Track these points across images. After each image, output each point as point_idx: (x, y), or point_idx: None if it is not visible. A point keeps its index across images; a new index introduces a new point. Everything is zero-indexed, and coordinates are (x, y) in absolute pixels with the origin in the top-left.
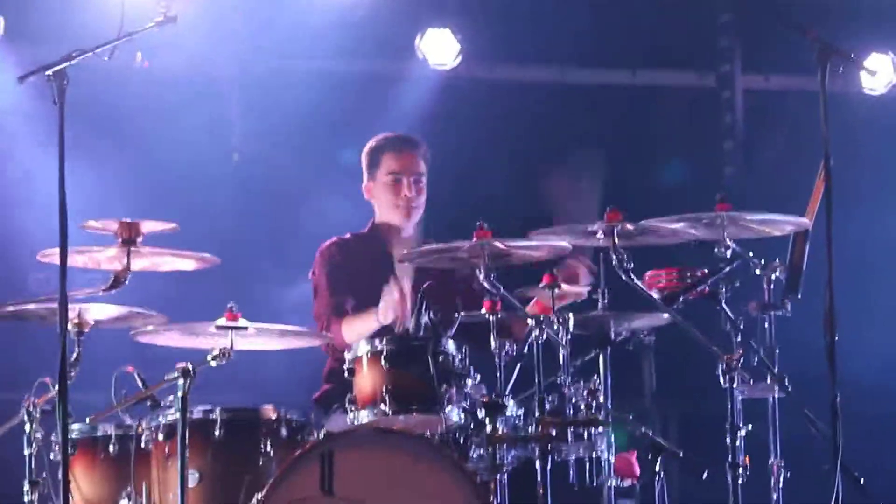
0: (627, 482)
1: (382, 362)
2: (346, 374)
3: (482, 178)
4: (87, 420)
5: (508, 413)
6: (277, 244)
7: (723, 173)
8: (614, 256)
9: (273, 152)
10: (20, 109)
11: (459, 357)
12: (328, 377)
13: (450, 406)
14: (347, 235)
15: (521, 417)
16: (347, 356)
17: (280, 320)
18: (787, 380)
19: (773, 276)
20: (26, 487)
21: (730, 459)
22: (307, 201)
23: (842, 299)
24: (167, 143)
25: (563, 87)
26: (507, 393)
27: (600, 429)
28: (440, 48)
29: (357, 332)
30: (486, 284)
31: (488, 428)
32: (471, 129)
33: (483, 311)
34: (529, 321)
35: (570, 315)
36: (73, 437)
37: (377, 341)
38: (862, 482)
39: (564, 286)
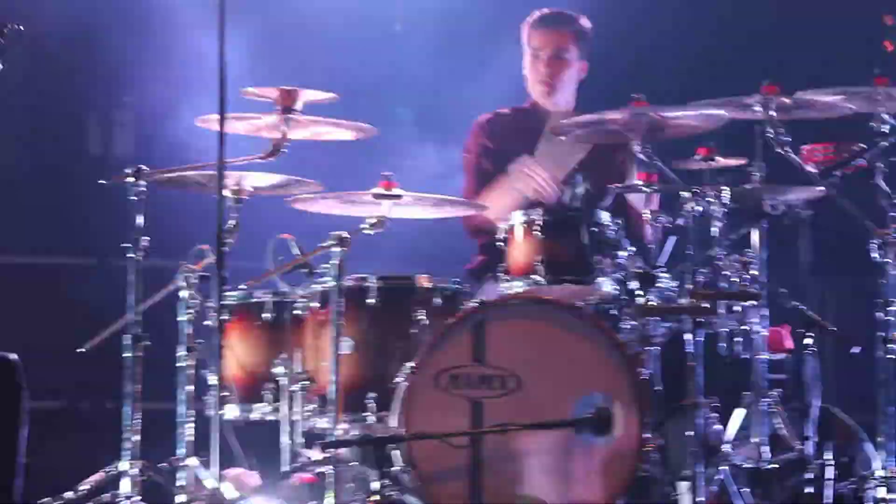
0: (780, 356)
1: (536, 232)
2: (499, 244)
3: (637, 46)
4: (244, 286)
5: (661, 285)
6: (437, 115)
7: (881, 47)
8: (771, 129)
9: (432, 24)
10: None
11: (613, 228)
12: (482, 249)
13: (603, 277)
14: (506, 110)
15: (675, 289)
16: (501, 226)
17: (436, 191)
18: None
19: None
20: (182, 353)
21: (882, 335)
22: (468, 72)
23: None
24: (328, 12)
25: None
26: (660, 265)
27: (753, 302)
28: None
29: (499, 205)
30: (642, 156)
31: (640, 299)
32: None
33: (639, 182)
34: (685, 194)
35: (725, 188)
36: (230, 303)
37: (532, 212)
38: None
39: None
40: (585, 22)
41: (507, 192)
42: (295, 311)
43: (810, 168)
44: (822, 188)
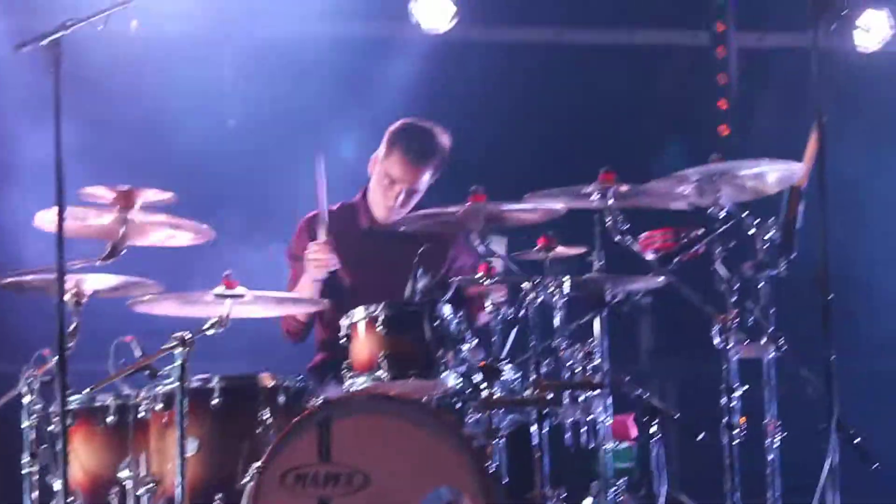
0: (624, 444)
1: (379, 328)
2: (342, 340)
3: (476, 140)
4: (87, 390)
5: (505, 377)
6: (273, 212)
7: (716, 133)
8: (608, 218)
9: (266, 118)
10: (13, 79)
11: (456, 321)
12: (321, 346)
13: (447, 371)
14: (334, 206)
15: (518, 381)
16: (344, 322)
17: (277, 289)
18: (782, 340)
19: (767, 236)
20: (26, 459)
21: (726, 420)
22: (301, 169)
23: (836, 259)
24: (161, 109)
25: (558, 48)
26: (503, 357)
27: (597, 391)
28: (434, 12)
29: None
30: (480, 249)
31: (485, 392)
32: (465, 91)
33: (479, 275)
34: (525, 284)
35: (566, 278)
36: (72, 407)
37: (373, 307)
38: (858, 441)
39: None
40: (446, 141)
41: (307, 284)
42: (139, 414)
43: (649, 255)
44: (662, 276)
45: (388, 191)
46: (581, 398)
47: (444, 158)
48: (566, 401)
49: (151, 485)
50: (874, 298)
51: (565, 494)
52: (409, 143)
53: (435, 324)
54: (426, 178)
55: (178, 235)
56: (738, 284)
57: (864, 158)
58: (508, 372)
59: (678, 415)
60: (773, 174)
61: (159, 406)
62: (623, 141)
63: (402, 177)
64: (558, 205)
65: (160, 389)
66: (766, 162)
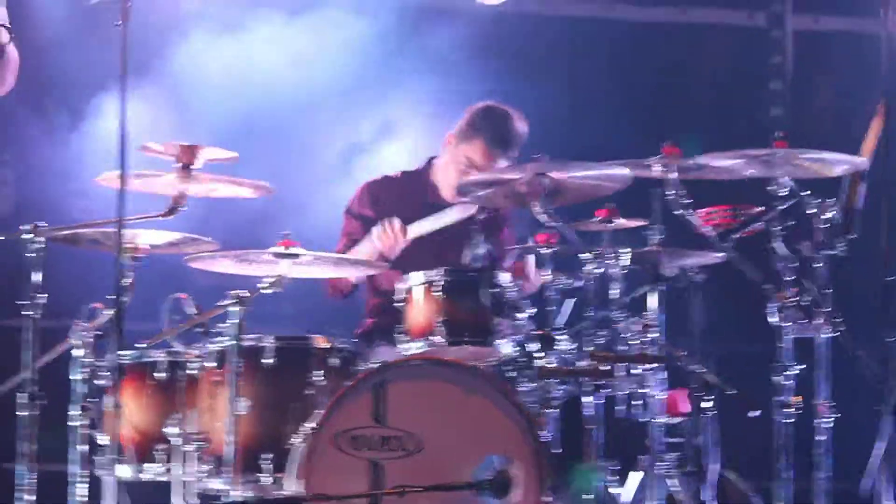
0: (677, 419)
1: (436, 293)
2: (396, 304)
3: (532, 114)
4: (140, 346)
5: (560, 347)
6: (333, 176)
7: (770, 114)
8: (670, 191)
9: (330, 84)
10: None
11: (514, 289)
12: (371, 312)
13: (502, 338)
14: (395, 174)
15: (574, 352)
16: (400, 286)
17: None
18: (839, 320)
19: (827, 216)
20: (75, 412)
21: (779, 398)
22: (364, 136)
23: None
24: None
25: (611, 23)
26: (560, 327)
27: (652, 365)
28: None
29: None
30: (542, 218)
31: (539, 361)
32: (519, 63)
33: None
34: (584, 256)
35: (625, 250)
36: (123, 362)
37: (432, 272)
38: None
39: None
40: (524, 128)
41: (366, 248)
42: (189, 371)
43: (708, 231)
44: (721, 252)
45: (463, 174)
46: (636, 371)
47: (522, 145)
48: (621, 373)
49: (200, 442)
50: None
51: (617, 467)
52: (495, 130)
53: (492, 291)
54: (502, 165)
55: (237, 190)
56: (796, 263)
57: None
58: (564, 342)
59: (735, 391)
60: (836, 161)
61: (211, 364)
62: (676, 118)
63: (483, 163)
64: (624, 171)
65: (213, 347)
66: (829, 153)
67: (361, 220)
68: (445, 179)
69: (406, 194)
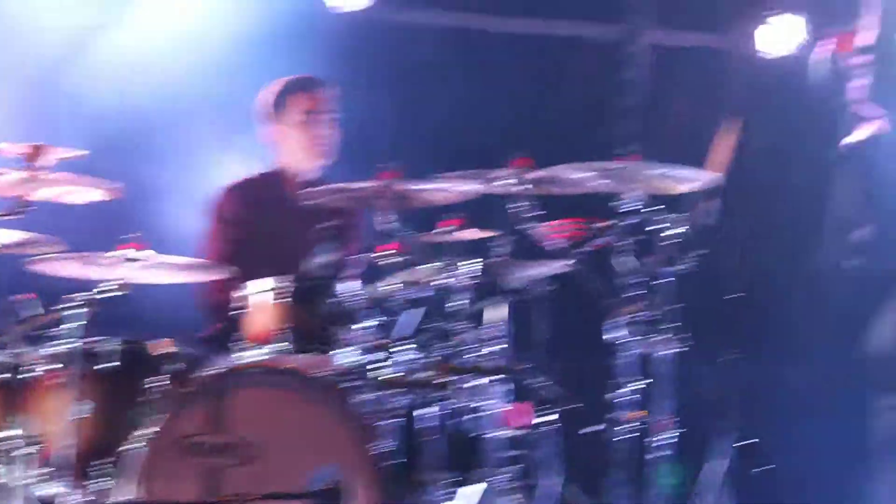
0: (520, 432)
1: (280, 300)
2: (236, 311)
3: (389, 121)
4: None
5: (404, 357)
6: (182, 181)
7: (624, 129)
8: (518, 204)
9: (178, 92)
10: None
11: (358, 298)
12: (217, 316)
13: (345, 347)
14: (248, 177)
15: (417, 363)
16: (239, 294)
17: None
18: (683, 336)
19: (675, 231)
20: None
21: (618, 413)
22: (212, 143)
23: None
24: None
25: (471, 34)
26: (404, 337)
27: (494, 377)
28: None
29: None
30: (387, 227)
31: (380, 372)
32: (377, 73)
33: (386, 253)
34: (430, 266)
35: (471, 262)
36: None
37: (272, 280)
38: (751, 442)
39: None
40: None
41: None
42: (29, 374)
43: (555, 244)
44: (568, 265)
45: (312, 127)
46: (478, 384)
47: (335, 94)
48: (462, 385)
49: (37, 446)
50: (782, 300)
51: (456, 479)
52: (299, 81)
53: (333, 300)
54: (337, 112)
55: (86, 192)
56: (643, 278)
57: (773, 160)
58: (409, 353)
59: (577, 405)
60: (686, 177)
61: (52, 367)
62: (531, 130)
63: (318, 105)
64: (468, 186)
65: (54, 350)
66: (679, 169)
67: (235, 225)
68: (294, 151)
69: (267, 193)
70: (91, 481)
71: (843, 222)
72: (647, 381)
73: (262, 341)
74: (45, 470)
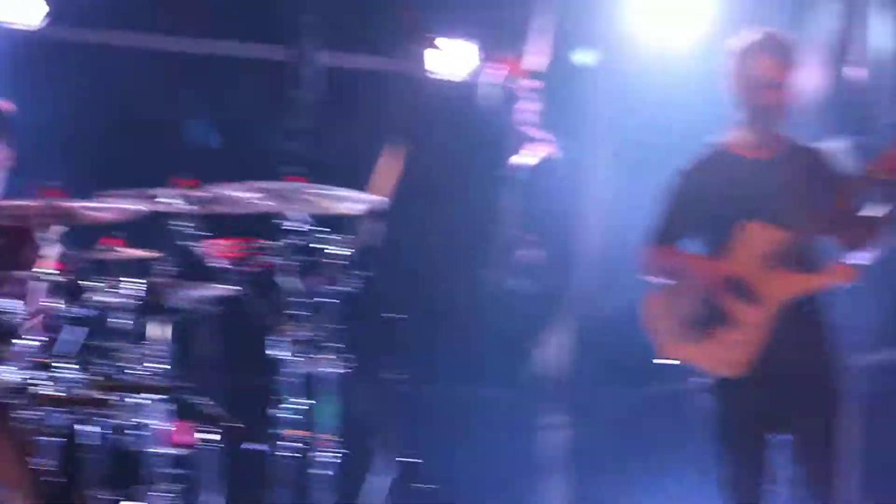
0: (182, 450)
1: None
2: None
3: (54, 138)
4: None
5: (66, 375)
6: None
7: (294, 149)
8: (181, 223)
9: None
10: None
11: (14, 315)
12: None
13: (6, 364)
14: None
15: (77, 380)
16: None
17: None
18: (347, 356)
19: (340, 252)
20: None
21: (284, 431)
22: None
23: (409, 278)
24: None
25: (144, 54)
26: (65, 354)
27: (156, 395)
28: (25, 7)
29: None
30: (50, 245)
31: (38, 389)
32: (43, 90)
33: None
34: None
35: (134, 281)
36: None
37: None
38: (412, 462)
39: None
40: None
41: None
42: None
43: (220, 263)
44: (230, 285)
45: None
46: (140, 401)
47: (6, 122)
48: (125, 402)
49: None
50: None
51: (116, 496)
52: None
53: None
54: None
55: None
56: (307, 298)
57: (443, 182)
58: (70, 371)
59: (238, 424)
60: (351, 198)
61: None
62: (197, 150)
63: None
64: (133, 205)
65: None
66: (345, 190)
67: None
68: None
69: None
70: None
71: (511, 243)
72: (311, 400)
73: None
74: None
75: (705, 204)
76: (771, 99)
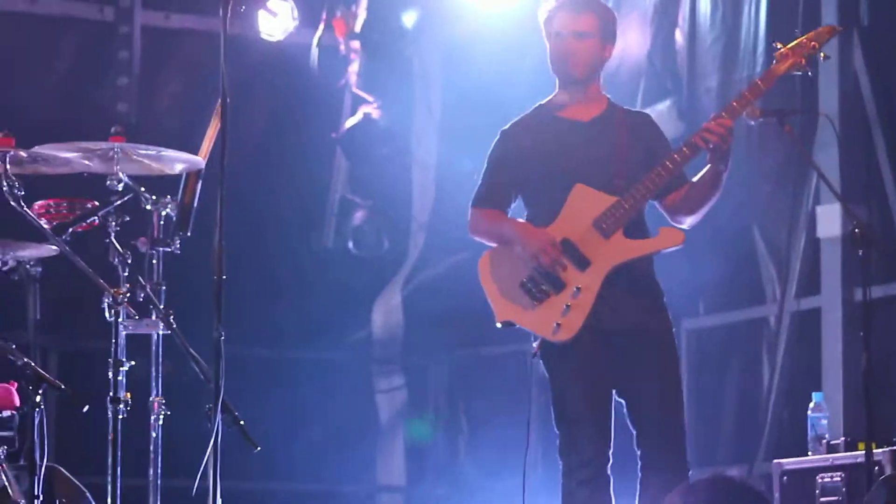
0: (6, 413)
1: None
2: None
3: None
4: None
5: None
6: None
7: (116, 109)
8: (4, 183)
9: None
10: None
11: None
12: None
13: None
14: None
15: None
16: None
17: None
18: (172, 317)
19: (163, 213)
20: None
21: (111, 394)
22: None
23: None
24: None
25: None
26: None
27: None
28: None
29: None
30: None
31: None
32: None
33: None
34: None
35: None
36: None
37: None
38: (242, 423)
39: None
40: None
41: None
42: None
43: (43, 224)
44: (55, 246)
45: None
46: None
47: None
48: None
49: None
50: (267, 285)
51: None
52: None
53: None
54: None
55: None
56: (131, 259)
57: (269, 143)
58: None
59: (63, 386)
60: (174, 158)
61: None
62: (20, 109)
63: None
64: None
65: None
66: (167, 151)
67: None
68: None
69: None
70: None
71: (341, 205)
72: (133, 363)
73: None
74: None
75: (525, 164)
76: (573, 53)
